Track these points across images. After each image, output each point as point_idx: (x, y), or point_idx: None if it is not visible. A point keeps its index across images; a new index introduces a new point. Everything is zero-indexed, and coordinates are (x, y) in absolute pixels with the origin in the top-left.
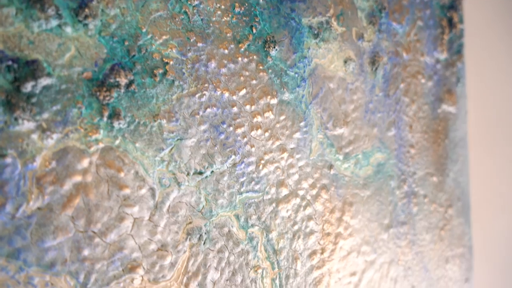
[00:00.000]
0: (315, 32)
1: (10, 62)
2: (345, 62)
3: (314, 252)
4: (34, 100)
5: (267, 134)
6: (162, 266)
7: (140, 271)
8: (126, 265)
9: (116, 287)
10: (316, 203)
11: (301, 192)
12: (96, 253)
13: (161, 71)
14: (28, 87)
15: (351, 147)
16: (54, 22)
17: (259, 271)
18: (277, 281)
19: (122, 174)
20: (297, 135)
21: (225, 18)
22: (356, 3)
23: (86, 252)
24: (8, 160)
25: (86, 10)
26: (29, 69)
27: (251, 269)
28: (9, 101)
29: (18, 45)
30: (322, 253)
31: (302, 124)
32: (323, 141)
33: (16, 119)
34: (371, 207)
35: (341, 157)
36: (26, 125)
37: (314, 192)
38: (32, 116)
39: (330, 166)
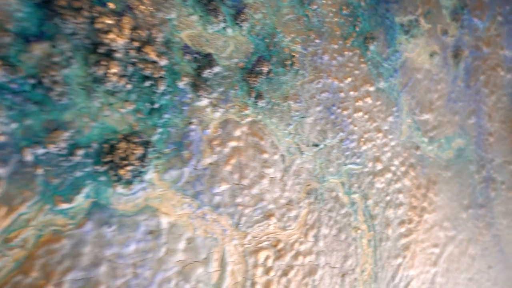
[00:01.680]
0: (406, 29)
1: (195, 55)
2: (431, 55)
3: (402, 222)
4: (209, 83)
5: (366, 116)
6: (289, 217)
7: (274, 220)
8: (264, 213)
9: (257, 229)
10: (404, 179)
11: (392, 168)
12: (245, 201)
13: (289, 62)
14: (206, 73)
15: (435, 131)
16: (221, 25)
17: (359, 231)
18: (372, 242)
19: (262, 142)
20: (390, 118)
21: (335, 19)
22: (441, 2)
23: (239, 200)
24: (193, 126)
25: (242, 15)
26: (207, 60)
27: (352, 229)
28: (194, 83)
29: (199, 42)
30: (409, 223)
31: (394, 109)
32: (411, 125)
33: (198, 96)
34: (452, 187)
35: (426, 140)
36: (204, 101)
37: (403, 169)
38: (207, 95)
39: (417, 147)
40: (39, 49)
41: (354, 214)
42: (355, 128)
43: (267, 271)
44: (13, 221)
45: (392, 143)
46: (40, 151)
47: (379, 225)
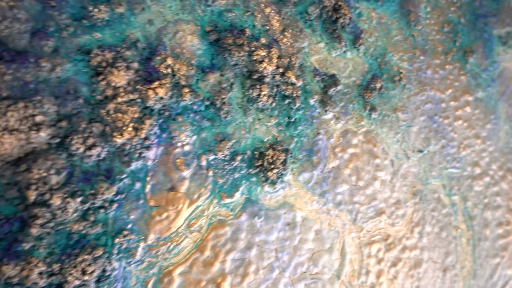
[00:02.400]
0: (503, 40)
1: (323, 76)
2: None
3: (500, 223)
4: (333, 99)
5: (465, 124)
6: (397, 215)
7: (384, 217)
8: (377, 211)
9: (371, 224)
10: (502, 183)
11: (490, 172)
12: (361, 200)
13: (397, 78)
14: (331, 91)
15: None
16: (343, 49)
17: (458, 230)
18: (471, 241)
19: (375, 149)
20: (488, 125)
21: (437, 36)
22: None
23: (356, 199)
24: (320, 136)
25: (359, 40)
26: (331, 80)
27: (452, 228)
28: (322, 100)
29: (325, 65)
30: (507, 225)
31: (492, 117)
32: (509, 131)
33: (325, 111)
34: None
35: None
36: (329, 115)
37: (501, 173)
38: (332, 109)
39: None
40: (212, 78)
41: (454, 214)
42: (455, 135)
43: (378, 261)
44: (193, 211)
45: (490, 149)
46: (211, 157)
47: (477, 226)
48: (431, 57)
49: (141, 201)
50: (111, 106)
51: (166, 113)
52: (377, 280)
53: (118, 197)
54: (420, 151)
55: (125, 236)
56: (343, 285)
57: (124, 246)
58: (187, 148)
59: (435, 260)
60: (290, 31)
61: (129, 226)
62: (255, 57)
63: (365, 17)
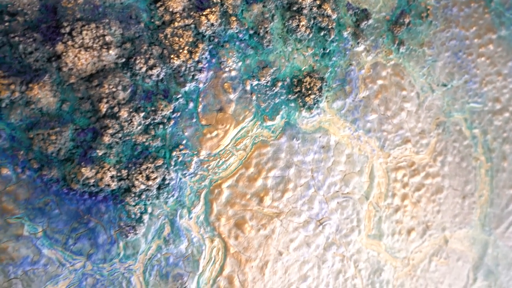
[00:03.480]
0: None
1: (355, 10)
2: None
3: None
4: (364, 32)
5: (488, 61)
6: (421, 144)
7: (410, 145)
8: (403, 139)
9: (397, 151)
10: None
11: (510, 108)
12: (388, 128)
13: (425, 14)
14: (362, 24)
15: None
16: None
17: (478, 162)
18: (489, 172)
19: (402, 81)
20: (510, 63)
21: None
22: None
23: (384, 127)
24: (352, 67)
25: None
26: (363, 14)
27: (472, 158)
28: (354, 33)
29: (357, 0)
30: None
31: None
32: None
33: (357, 43)
34: None
35: None
36: (361, 47)
37: None
38: (363, 42)
39: None
40: (256, 8)
41: (474, 146)
42: (478, 72)
43: (403, 186)
44: (239, 131)
45: (511, 86)
46: (255, 82)
47: (496, 158)
48: None
49: (194, 120)
50: (168, 30)
51: (216, 40)
52: (401, 203)
53: (174, 115)
54: (444, 85)
55: (180, 150)
56: (371, 205)
57: (180, 159)
58: (233, 73)
59: (455, 188)
60: None
61: (184, 141)
62: None
63: None
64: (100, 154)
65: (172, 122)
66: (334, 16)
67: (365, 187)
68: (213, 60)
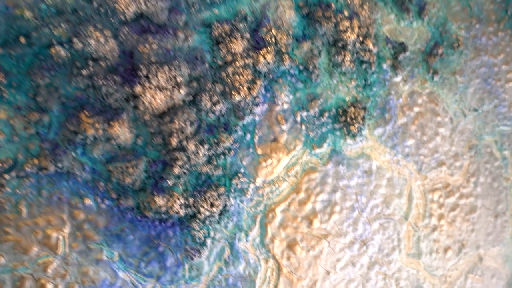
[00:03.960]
0: None
1: (393, 44)
2: None
3: None
4: (402, 64)
5: None
6: (455, 166)
7: (444, 167)
8: (438, 162)
9: (433, 174)
10: None
11: None
12: (424, 152)
13: (456, 45)
14: (400, 57)
15: None
16: (410, 20)
17: (509, 181)
18: None
19: (437, 108)
20: None
21: (491, 6)
22: None
23: (420, 151)
24: (391, 96)
25: (424, 11)
26: (401, 47)
27: (503, 179)
28: (393, 64)
29: (395, 34)
30: None
31: None
32: None
33: (396, 74)
34: None
35: None
36: (398, 78)
37: None
38: (401, 73)
39: None
40: (305, 46)
41: (504, 167)
42: (507, 96)
43: (439, 206)
44: (290, 159)
45: None
46: (304, 113)
47: None
48: (485, 25)
49: (251, 150)
50: (230, 69)
51: (270, 76)
52: (438, 223)
53: (234, 146)
54: (475, 110)
55: (239, 178)
56: (410, 225)
57: (238, 187)
58: (285, 106)
59: (488, 207)
60: (367, 4)
61: (242, 170)
62: (340, 28)
63: None
64: (170, 184)
65: (232, 152)
66: (375, 50)
67: (404, 208)
68: (268, 95)
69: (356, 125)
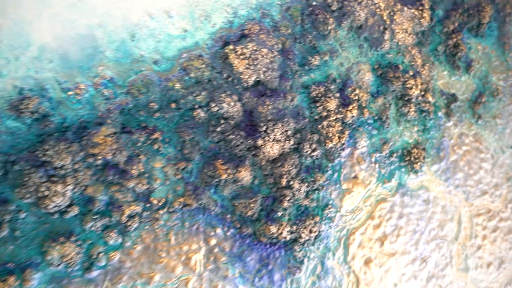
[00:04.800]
0: None
1: (446, 95)
2: None
3: None
4: (453, 111)
5: None
6: (496, 195)
7: (487, 196)
8: (482, 191)
9: (478, 201)
10: None
11: None
12: (471, 184)
13: (496, 93)
14: (452, 106)
15: None
16: (459, 75)
17: None
18: None
19: (480, 146)
20: None
21: None
22: None
23: (467, 182)
24: (445, 138)
25: (470, 67)
26: (452, 97)
27: None
28: (446, 112)
29: (447, 87)
30: None
31: None
32: None
33: (449, 120)
34: None
35: None
36: (450, 123)
37: None
38: (452, 119)
39: None
40: (380, 100)
41: None
42: None
43: (483, 228)
44: (366, 192)
45: None
46: (377, 155)
47: None
48: None
49: (338, 185)
50: (325, 122)
51: (353, 126)
52: (482, 242)
53: (325, 183)
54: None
55: (329, 209)
56: (459, 245)
57: (328, 215)
58: (364, 149)
59: None
60: (427, 64)
61: (331, 202)
62: (407, 85)
63: (473, 50)
64: (279, 215)
65: (324, 188)
66: (432, 101)
67: (455, 231)
68: (351, 141)
69: (418, 163)
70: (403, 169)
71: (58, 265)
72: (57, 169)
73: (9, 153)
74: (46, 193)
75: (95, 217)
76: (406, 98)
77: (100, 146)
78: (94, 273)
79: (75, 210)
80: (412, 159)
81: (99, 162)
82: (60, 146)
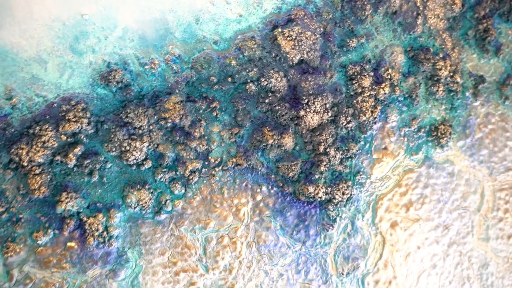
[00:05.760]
0: None
1: (475, 76)
2: None
3: None
4: (480, 92)
5: None
6: None
7: (510, 172)
8: (505, 168)
9: (501, 177)
10: None
11: None
12: (495, 160)
13: None
14: (480, 87)
15: None
16: (488, 58)
17: None
18: None
19: (506, 125)
20: None
21: None
22: None
23: (492, 159)
24: (471, 116)
25: (500, 50)
26: (480, 79)
27: None
28: (473, 93)
29: (476, 69)
30: None
31: None
32: None
33: (476, 100)
34: None
35: None
36: (477, 103)
37: None
38: (479, 99)
39: None
40: (410, 80)
41: None
42: None
43: (505, 202)
44: (395, 162)
45: None
46: (406, 129)
47: None
48: None
49: (369, 155)
50: (359, 98)
51: (385, 102)
52: (504, 215)
53: (358, 152)
54: None
55: (360, 175)
56: (481, 216)
57: (359, 181)
58: (394, 123)
59: None
60: (457, 47)
61: (362, 169)
62: (437, 66)
63: (503, 34)
64: (316, 177)
65: (356, 157)
66: (460, 82)
67: (478, 203)
68: (382, 115)
69: (445, 139)
70: (430, 144)
71: (135, 207)
72: (136, 129)
73: (99, 115)
74: (127, 148)
75: (164, 170)
76: (435, 78)
77: (170, 112)
78: (162, 216)
79: (149, 164)
80: (439, 134)
81: (168, 124)
82: (138, 110)
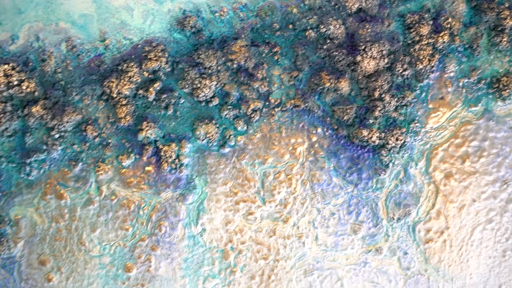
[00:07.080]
0: None
1: None
2: None
3: None
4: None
5: None
6: None
7: None
8: None
9: None
10: None
11: None
12: None
13: None
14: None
15: None
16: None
17: None
18: None
19: None
20: None
21: None
22: None
23: None
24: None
25: None
26: None
27: None
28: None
29: None
30: None
31: None
32: None
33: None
34: None
35: None
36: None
37: None
38: None
39: None
40: (472, 30)
41: None
42: None
43: None
44: (452, 113)
45: None
46: (465, 80)
47: None
48: None
49: (424, 104)
50: (417, 46)
51: (443, 51)
52: None
53: (413, 100)
54: None
55: (415, 124)
56: None
57: (414, 129)
58: (452, 74)
59: None
60: None
61: (417, 118)
62: (501, 16)
63: None
64: (371, 122)
65: (411, 105)
66: None
67: None
68: (440, 65)
69: (507, 91)
70: (490, 96)
71: (203, 140)
72: (206, 69)
73: (175, 56)
74: (198, 85)
75: (229, 107)
76: (499, 29)
77: (236, 54)
78: (226, 150)
79: (216, 101)
80: (501, 86)
81: (234, 66)
82: (209, 52)
